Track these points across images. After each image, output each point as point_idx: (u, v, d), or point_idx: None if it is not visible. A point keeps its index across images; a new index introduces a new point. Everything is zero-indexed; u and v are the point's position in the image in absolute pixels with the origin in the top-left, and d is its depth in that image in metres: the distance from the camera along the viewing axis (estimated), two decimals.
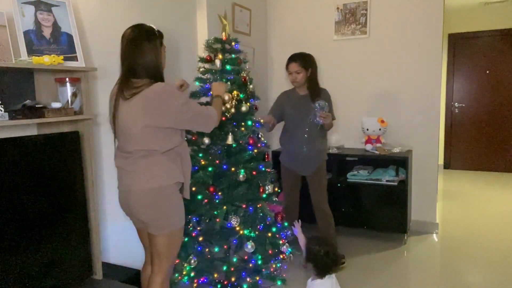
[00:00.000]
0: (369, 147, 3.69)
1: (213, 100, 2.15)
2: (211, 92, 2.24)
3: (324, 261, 1.94)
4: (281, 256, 2.50)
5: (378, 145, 3.67)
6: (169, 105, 1.75)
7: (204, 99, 2.50)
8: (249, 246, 2.28)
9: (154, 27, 1.86)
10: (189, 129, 1.91)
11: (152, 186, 1.78)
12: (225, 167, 2.34)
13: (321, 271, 1.95)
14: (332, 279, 1.97)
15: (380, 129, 3.66)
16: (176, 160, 1.86)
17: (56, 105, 1.87)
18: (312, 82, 2.98)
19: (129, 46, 1.79)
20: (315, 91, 2.95)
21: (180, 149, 1.89)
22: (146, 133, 1.76)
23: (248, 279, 2.38)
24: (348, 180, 3.68)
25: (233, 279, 2.39)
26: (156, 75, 1.81)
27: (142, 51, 1.77)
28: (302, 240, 2.10)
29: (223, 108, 2.31)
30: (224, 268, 2.40)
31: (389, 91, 3.79)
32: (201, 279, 2.41)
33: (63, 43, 1.97)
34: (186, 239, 2.38)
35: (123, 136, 1.81)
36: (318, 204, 3.03)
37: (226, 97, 2.30)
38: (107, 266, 2.21)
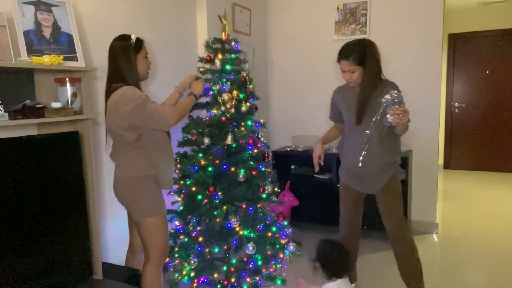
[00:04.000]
0: None
1: (186, 97, 2.26)
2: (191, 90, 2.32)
3: (332, 262, 1.96)
4: (281, 256, 2.51)
5: None
6: (123, 108, 1.92)
7: (203, 99, 2.50)
8: (250, 248, 2.28)
9: (132, 36, 2.03)
10: (146, 127, 2.01)
11: (123, 175, 2.02)
12: (225, 167, 2.34)
13: (330, 273, 1.97)
14: (346, 284, 1.97)
15: None
16: (144, 153, 2.03)
17: (56, 105, 1.87)
18: (365, 80, 2.22)
19: (109, 57, 2.03)
20: (367, 86, 2.20)
21: (147, 143, 2.03)
22: (115, 128, 1.98)
23: (248, 279, 2.38)
24: None
25: (233, 279, 2.39)
26: (130, 80, 2.00)
27: (117, 61, 1.99)
28: None
29: (223, 108, 2.32)
30: (224, 268, 2.40)
31: None
32: (201, 279, 2.41)
33: (63, 43, 1.97)
34: (186, 239, 2.38)
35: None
36: (394, 233, 2.35)
37: (226, 97, 2.31)
38: (107, 266, 2.21)
